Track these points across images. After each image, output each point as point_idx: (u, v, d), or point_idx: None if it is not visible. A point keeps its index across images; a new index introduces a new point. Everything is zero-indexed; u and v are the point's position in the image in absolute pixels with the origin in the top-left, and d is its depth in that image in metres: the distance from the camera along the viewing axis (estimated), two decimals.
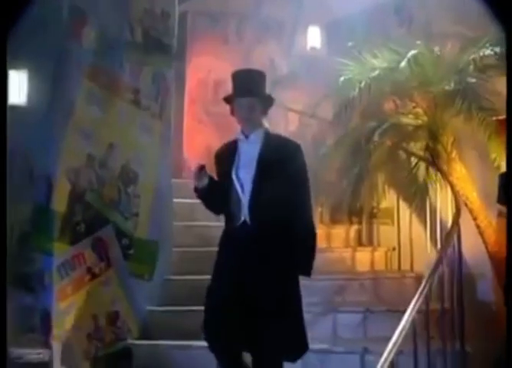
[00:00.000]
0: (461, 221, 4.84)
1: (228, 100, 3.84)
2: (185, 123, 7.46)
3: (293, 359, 3.72)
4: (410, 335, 3.72)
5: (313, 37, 7.32)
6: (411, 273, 5.68)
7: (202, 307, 3.73)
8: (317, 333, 4.56)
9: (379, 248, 6.27)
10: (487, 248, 5.57)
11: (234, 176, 3.73)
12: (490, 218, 5.58)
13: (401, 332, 3.56)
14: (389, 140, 5.91)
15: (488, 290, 5.75)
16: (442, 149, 5.72)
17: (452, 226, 4.76)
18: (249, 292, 3.60)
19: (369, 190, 5.97)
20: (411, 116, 5.97)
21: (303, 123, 7.17)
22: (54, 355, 4.76)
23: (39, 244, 5.02)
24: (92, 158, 5.21)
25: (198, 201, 3.93)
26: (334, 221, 6.56)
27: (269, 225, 3.62)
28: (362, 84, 5.68)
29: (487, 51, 5.44)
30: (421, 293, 3.90)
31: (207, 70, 7.60)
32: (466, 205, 5.53)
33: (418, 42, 5.66)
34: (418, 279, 5.26)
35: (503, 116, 5.04)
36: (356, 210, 6.34)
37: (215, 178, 3.83)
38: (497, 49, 5.36)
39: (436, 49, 5.73)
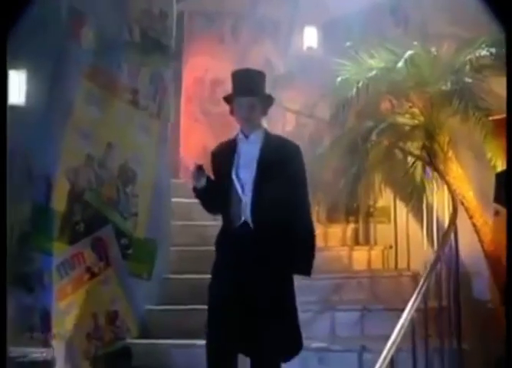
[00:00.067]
0: (457, 219, 4.85)
1: (227, 99, 3.81)
2: (182, 123, 7.45)
3: (288, 359, 3.71)
4: (409, 333, 3.74)
5: (310, 37, 7.29)
6: (408, 271, 5.68)
7: (201, 306, 3.74)
8: (315, 332, 4.60)
9: (376, 246, 6.26)
10: (482, 246, 5.59)
11: (234, 176, 3.70)
12: (486, 217, 5.61)
13: (400, 330, 3.57)
14: (386, 140, 5.93)
15: (484, 289, 5.77)
16: (439, 149, 5.75)
17: (449, 225, 4.78)
18: (249, 292, 3.60)
19: (366, 189, 6.01)
20: (407, 116, 5.99)
21: (300, 122, 7.18)
22: (57, 354, 4.77)
23: (39, 243, 5.02)
24: (91, 158, 5.22)
25: (195, 200, 3.92)
26: (331, 220, 6.55)
27: (269, 226, 3.61)
28: (360, 84, 5.70)
29: (483, 52, 5.47)
30: (419, 291, 3.91)
31: (203, 69, 7.61)
32: (462, 203, 5.55)
33: (415, 43, 5.68)
34: (415, 277, 5.31)
35: (498, 116, 5.09)
36: (353, 209, 6.38)
37: (212, 177, 3.80)
38: (493, 50, 5.39)
39: (432, 49, 5.75)
